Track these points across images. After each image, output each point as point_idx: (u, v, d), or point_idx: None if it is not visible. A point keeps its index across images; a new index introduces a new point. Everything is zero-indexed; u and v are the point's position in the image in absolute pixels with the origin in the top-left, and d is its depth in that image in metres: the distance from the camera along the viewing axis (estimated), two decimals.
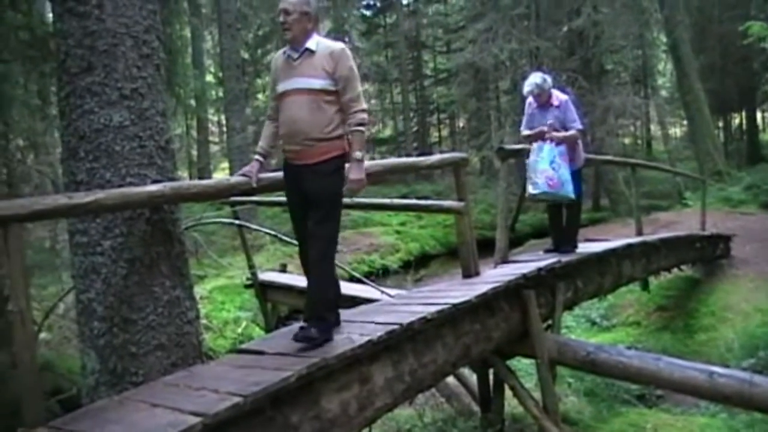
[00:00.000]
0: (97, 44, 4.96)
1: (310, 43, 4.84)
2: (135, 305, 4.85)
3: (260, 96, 39.89)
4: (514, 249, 8.30)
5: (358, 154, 4.86)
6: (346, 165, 4.97)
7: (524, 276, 6.79)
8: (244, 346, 5.09)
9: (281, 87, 4.94)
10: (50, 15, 8.15)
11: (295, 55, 4.87)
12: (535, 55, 25.64)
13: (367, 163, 6.27)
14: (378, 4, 42.95)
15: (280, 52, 5.09)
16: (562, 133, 7.96)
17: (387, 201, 10.23)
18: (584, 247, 9.02)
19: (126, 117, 4.96)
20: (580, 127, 8.19)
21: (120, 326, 4.82)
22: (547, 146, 7.87)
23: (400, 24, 38.45)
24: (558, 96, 8.19)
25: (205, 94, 27.16)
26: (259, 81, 38.76)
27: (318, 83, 4.77)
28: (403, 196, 25.55)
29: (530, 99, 8.28)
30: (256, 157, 5.25)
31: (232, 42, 24.56)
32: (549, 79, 8.19)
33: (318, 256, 4.91)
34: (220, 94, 30.20)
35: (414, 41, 40.84)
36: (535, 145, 7.98)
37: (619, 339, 12.10)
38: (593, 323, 13.43)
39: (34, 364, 3.83)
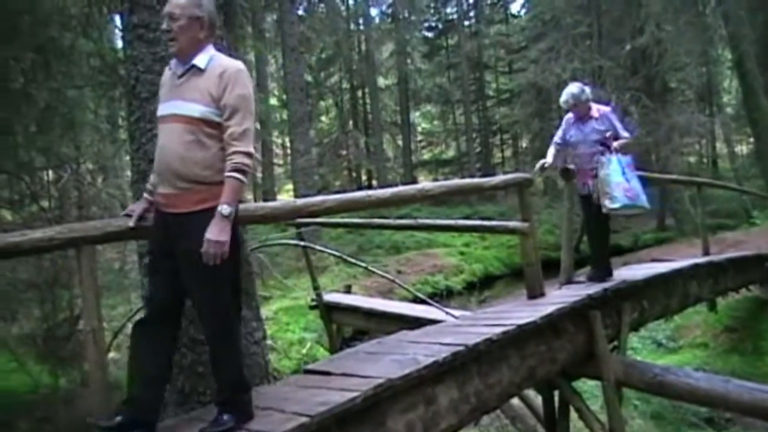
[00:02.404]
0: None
1: (200, 59, 3.88)
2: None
3: (324, 118, 40.29)
4: (578, 270, 8.20)
5: (224, 209, 3.68)
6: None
7: (590, 297, 6.74)
8: (310, 367, 5.10)
9: (160, 110, 4.00)
10: (120, 42, 8.33)
11: (180, 71, 3.93)
12: (598, 74, 25.45)
13: (430, 184, 6.23)
14: (440, 26, 43.11)
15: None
16: (622, 141, 7.64)
17: (451, 222, 10.23)
18: (650, 267, 8.91)
19: None
20: (628, 135, 7.87)
21: (188, 346, 4.88)
22: (614, 158, 7.45)
23: (461, 45, 38.46)
24: (599, 108, 7.90)
25: (269, 117, 27.43)
26: (322, 103, 39.17)
27: (198, 110, 3.78)
28: (467, 217, 25.48)
29: (570, 114, 7.98)
30: (145, 194, 4.17)
31: (295, 65, 24.84)
32: (587, 90, 7.85)
33: (214, 332, 3.90)
34: (284, 116, 30.51)
35: (476, 62, 40.80)
36: (603, 159, 7.47)
37: (685, 361, 11.90)
38: (659, 344, 13.23)
39: (106, 383, 3.90)
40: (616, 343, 7.46)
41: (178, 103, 3.83)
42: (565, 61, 25.23)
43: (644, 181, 7.81)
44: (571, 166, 8.12)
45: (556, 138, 8.12)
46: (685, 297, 9.39)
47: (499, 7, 44.05)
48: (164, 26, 3.90)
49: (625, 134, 7.75)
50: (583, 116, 7.81)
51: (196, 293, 3.85)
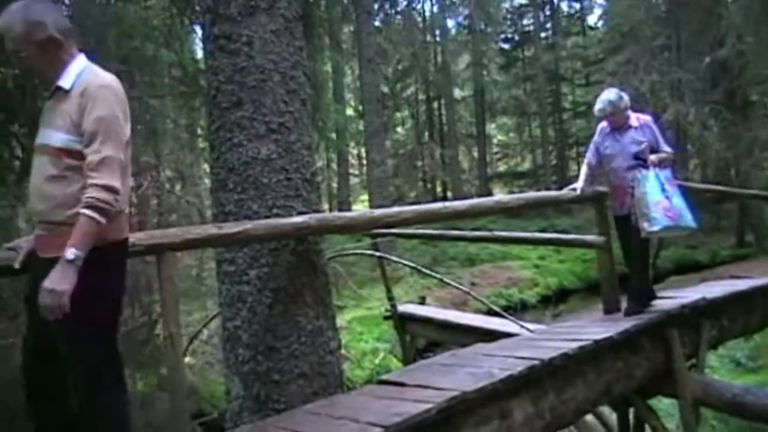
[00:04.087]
0: (246, 80, 5.13)
1: (65, 79, 3.26)
2: (279, 334, 4.94)
3: (400, 129, 40.34)
4: (655, 285, 7.99)
5: (69, 253, 2.95)
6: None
7: (667, 313, 6.62)
8: (384, 378, 5.11)
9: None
10: (200, 53, 8.46)
11: (47, 95, 3.41)
12: (677, 87, 25.11)
13: (508, 196, 6.16)
14: (516, 38, 42.91)
15: None
16: (661, 155, 6.74)
17: (527, 235, 10.16)
18: (729, 284, 8.72)
19: (273, 150, 5.10)
20: (671, 150, 6.96)
21: (264, 354, 4.92)
22: (651, 173, 6.54)
23: (538, 57, 38.27)
24: (638, 116, 7.01)
25: (346, 127, 27.62)
26: (398, 114, 39.22)
27: (60, 138, 3.18)
28: (542, 230, 25.30)
29: (603, 123, 7.13)
30: (36, 230, 3.39)
31: (372, 76, 25.01)
32: (626, 97, 6.97)
33: (78, 389, 3.27)
34: (361, 127, 30.67)
35: (553, 74, 40.51)
36: (639, 175, 6.57)
37: (765, 381, 11.62)
38: (738, 364, 12.95)
39: (183, 387, 3.95)
40: (693, 361, 7.31)
41: (44, 132, 3.28)
42: (643, 73, 24.95)
43: (687, 197, 6.92)
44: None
45: (588, 157, 7.39)
46: (766, 315, 9.16)
47: (576, 19, 43.76)
48: (17, 70, 3.31)
49: (667, 149, 6.91)
50: (620, 126, 6.96)
51: (70, 363, 3.25)
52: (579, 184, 7.25)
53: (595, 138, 7.21)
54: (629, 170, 6.75)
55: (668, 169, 6.72)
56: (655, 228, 6.45)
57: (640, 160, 6.70)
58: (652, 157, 6.66)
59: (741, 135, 23.70)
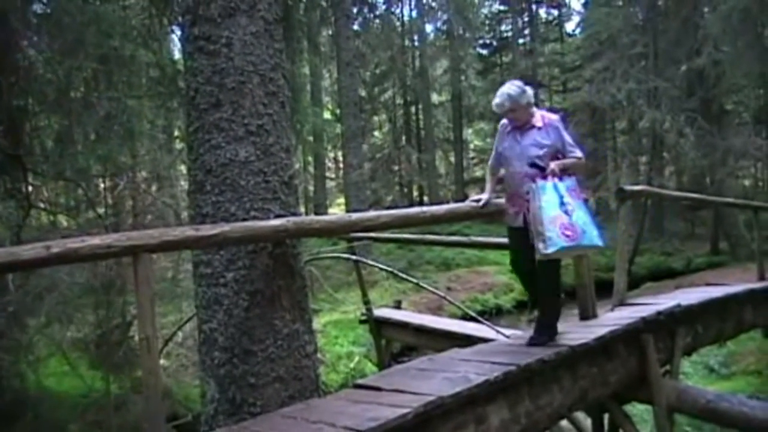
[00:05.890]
0: (225, 81, 5.12)
1: None
2: (255, 337, 4.93)
3: (377, 133, 40.33)
4: (630, 292, 8.03)
5: None
6: None
7: (643, 320, 6.63)
8: (360, 382, 5.09)
9: None
10: (179, 54, 8.43)
11: None
12: (654, 94, 25.27)
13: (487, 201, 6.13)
14: (494, 44, 43.03)
15: None
16: (565, 161, 5.83)
17: (503, 240, 10.16)
18: (704, 291, 8.76)
19: (251, 152, 5.09)
20: (580, 155, 5.95)
21: (240, 357, 4.91)
22: (549, 184, 5.62)
23: (516, 63, 38.41)
24: (544, 115, 6.07)
25: (323, 130, 27.65)
26: (376, 118, 39.22)
27: None
28: None
29: (504, 121, 6.21)
30: None
31: (350, 80, 25.04)
32: (529, 91, 6.05)
33: None
34: (337, 130, 30.70)
35: (530, 80, 40.58)
36: (534, 186, 5.64)
37: (738, 388, 11.70)
38: (711, 370, 13.04)
39: (159, 390, 3.93)
40: (668, 367, 7.34)
41: None
42: (621, 81, 25.12)
43: (592, 211, 6.16)
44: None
45: (491, 161, 6.51)
46: (740, 322, 9.21)
47: (554, 26, 43.99)
48: None
49: (577, 153, 5.93)
50: (522, 125, 6.02)
51: None
52: (485, 195, 6.42)
53: (498, 135, 6.35)
54: (527, 176, 5.81)
55: (572, 178, 5.85)
56: (551, 250, 5.52)
57: (539, 168, 5.78)
58: (552, 165, 5.73)
59: (716, 144, 23.88)
